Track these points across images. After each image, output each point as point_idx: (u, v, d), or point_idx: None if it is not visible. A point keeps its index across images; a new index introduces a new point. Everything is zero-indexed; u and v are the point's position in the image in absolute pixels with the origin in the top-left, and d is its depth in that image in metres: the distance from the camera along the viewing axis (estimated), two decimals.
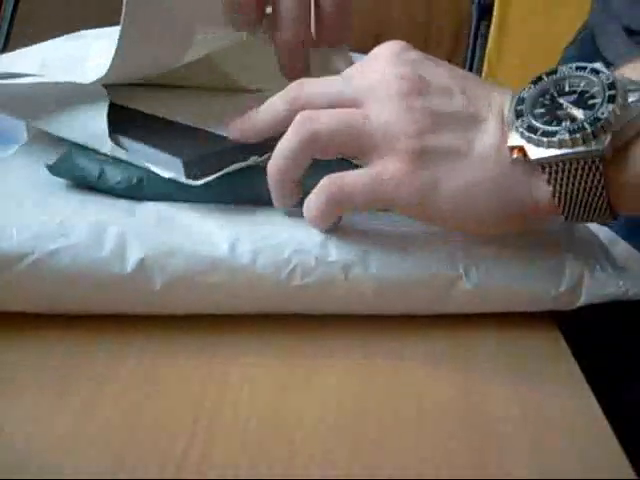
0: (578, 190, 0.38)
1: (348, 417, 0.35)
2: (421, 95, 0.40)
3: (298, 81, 0.44)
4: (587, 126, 0.37)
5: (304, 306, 0.41)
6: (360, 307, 0.42)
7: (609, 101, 0.37)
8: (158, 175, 0.43)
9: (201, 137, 0.47)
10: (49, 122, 0.47)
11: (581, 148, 0.37)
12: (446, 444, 0.34)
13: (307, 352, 0.40)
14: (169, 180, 0.43)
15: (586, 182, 0.38)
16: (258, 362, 0.39)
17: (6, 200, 0.43)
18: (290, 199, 0.43)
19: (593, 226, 0.47)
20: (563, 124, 0.38)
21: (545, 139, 0.38)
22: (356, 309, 0.42)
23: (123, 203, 0.44)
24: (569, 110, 0.39)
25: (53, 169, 0.45)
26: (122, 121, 0.46)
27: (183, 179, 0.43)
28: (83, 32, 0.50)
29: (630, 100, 0.38)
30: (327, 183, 0.41)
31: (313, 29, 0.50)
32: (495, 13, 1.33)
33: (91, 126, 0.45)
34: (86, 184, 0.45)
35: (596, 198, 0.38)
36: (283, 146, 0.41)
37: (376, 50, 0.43)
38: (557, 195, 0.38)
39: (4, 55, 0.52)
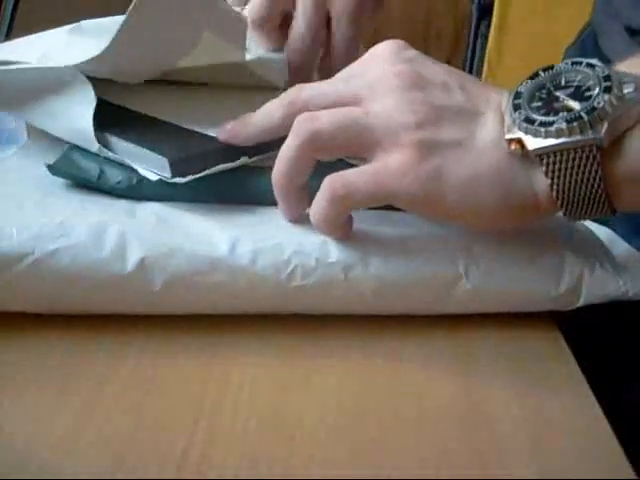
0: (576, 181, 0.38)
1: (348, 417, 0.35)
2: (421, 89, 0.40)
3: (296, 86, 0.44)
4: (584, 115, 0.37)
5: (304, 307, 0.41)
6: (360, 307, 0.42)
7: (605, 92, 0.38)
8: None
9: (191, 137, 0.47)
10: (34, 115, 0.46)
11: (578, 137, 0.37)
12: (446, 444, 0.34)
13: (307, 352, 0.40)
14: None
15: (583, 173, 0.38)
16: (258, 362, 0.39)
17: (6, 200, 0.43)
18: (296, 209, 0.43)
19: (593, 226, 0.47)
20: (560, 114, 0.38)
21: (542, 129, 0.38)
22: (356, 309, 0.42)
23: (123, 203, 0.44)
24: (566, 102, 0.39)
25: (53, 169, 0.45)
26: (112, 119, 0.46)
27: (169, 178, 0.42)
28: (84, 22, 0.50)
29: (625, 91, 0.38)
30: (328, 182, 0.40)
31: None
32: (495, 13, 1.33)
33: (78, 125, 0.44)
34: (86, 184, 0.45)
35: (594, 190, 0.38)
36: (285, 150, 0.41)
37: (374, 49, 0.43)
38: (555, 187, 0.38)
39: (5, 43, 0.51)
